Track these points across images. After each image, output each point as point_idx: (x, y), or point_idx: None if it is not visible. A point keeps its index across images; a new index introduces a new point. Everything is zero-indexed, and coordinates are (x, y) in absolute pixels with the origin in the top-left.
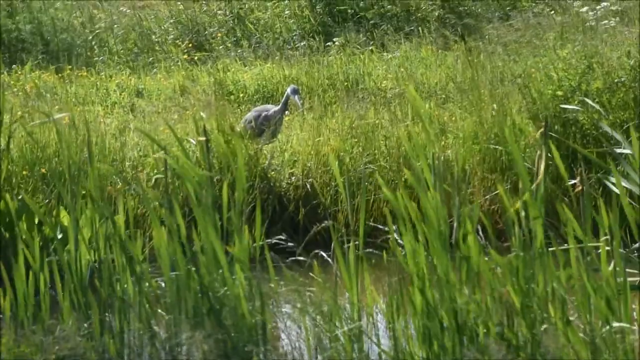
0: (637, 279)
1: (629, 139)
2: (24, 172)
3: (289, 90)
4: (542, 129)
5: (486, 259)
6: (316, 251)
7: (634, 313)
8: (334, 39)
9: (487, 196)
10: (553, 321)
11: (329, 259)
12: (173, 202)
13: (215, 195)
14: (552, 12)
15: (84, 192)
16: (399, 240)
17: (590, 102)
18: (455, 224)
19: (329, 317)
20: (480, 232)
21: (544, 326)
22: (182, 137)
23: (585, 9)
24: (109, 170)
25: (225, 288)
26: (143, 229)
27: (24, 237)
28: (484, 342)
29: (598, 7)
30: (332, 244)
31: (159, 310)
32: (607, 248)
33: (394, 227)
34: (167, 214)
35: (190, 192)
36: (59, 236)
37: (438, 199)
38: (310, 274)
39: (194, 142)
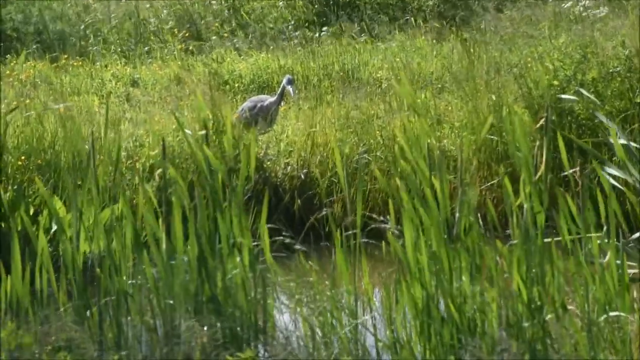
0: (635, 270)
1: (626, 130)
2: (20, 163)
3: (284, 80)
4: (542, 120)
5: (487, 248)
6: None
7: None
8: (326, 28)
9: (484, 186)
10: (552, 310)
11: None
12: (200, 194)
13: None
14: None
15: (79, 182)
16: (395, 231)
17: (585, 92)
18: (457, 214)
19: (325, 308)
20: (480, 222)
21: (549, 315)
22: (176, 128)
23: (569, 3)
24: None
25: (229, 276)
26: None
27: (19, 228)
28: (484, 332)
29: None
30: (326, 235)
31: (166, 300)
32: (602, 240)
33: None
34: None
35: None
36: (55, 226)
37: (442, 188)
38: (310, 262)
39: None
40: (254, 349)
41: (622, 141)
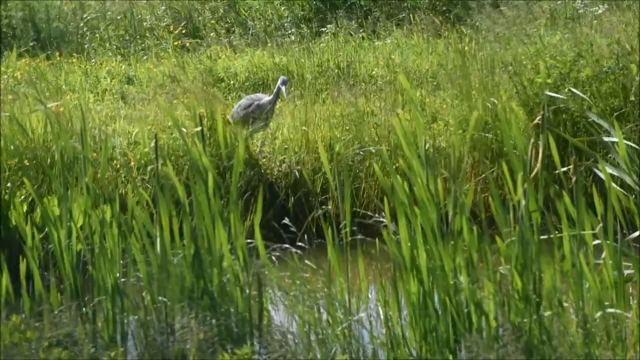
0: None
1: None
2: (12, 162)
3: (279, 81)
4: (538, 118)
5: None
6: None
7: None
8: (330, 26)
9: (477, 183)
10: (549, 307)
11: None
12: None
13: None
14: None
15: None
16: (391, 228)
17: (578, 92)
18: (450, 211)
19: (319, 305)
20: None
21: (547, 312)
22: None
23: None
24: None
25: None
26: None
27: (12, 226)
28: (480, 328)
29: None
30: (321, 232)
31: (160, 297)
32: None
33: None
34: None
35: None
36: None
37: (433, 186)
38: (307, 261)
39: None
40: (250, 346)
41: (616, 139)
